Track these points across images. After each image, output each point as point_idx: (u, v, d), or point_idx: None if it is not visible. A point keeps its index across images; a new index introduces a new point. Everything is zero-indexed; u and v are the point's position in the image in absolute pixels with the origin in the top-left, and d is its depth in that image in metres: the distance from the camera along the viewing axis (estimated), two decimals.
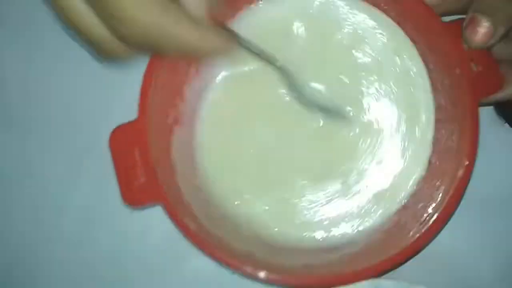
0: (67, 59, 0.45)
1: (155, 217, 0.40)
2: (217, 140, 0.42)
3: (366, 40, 0.42)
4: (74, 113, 0.45)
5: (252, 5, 0.42)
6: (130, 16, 0.29)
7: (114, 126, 0.37)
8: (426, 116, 0.41)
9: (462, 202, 0.36)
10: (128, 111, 0.37)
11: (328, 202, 0.40)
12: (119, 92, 0.43)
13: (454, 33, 0.37)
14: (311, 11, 0.42)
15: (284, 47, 0.41)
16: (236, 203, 0.40)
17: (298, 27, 0.42)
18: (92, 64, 0.44)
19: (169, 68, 0.39)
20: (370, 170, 0.40)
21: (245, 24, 0.41)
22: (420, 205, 0.38)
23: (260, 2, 0.42)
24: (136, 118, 0.37)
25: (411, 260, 0.36)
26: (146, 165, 0.36)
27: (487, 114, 0.43)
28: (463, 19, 0.37)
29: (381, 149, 0.41)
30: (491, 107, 0.44)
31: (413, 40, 0.41)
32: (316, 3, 0.42)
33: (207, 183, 0.41)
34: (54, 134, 0.45)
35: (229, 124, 0.42)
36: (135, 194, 0.36)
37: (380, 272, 0.35)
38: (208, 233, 0.37)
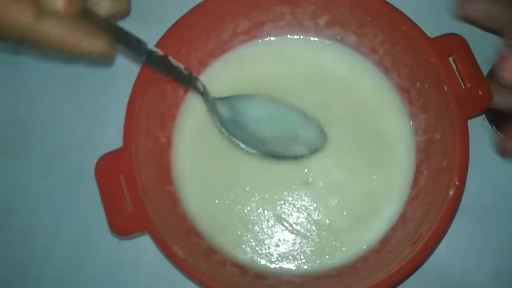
0: (54, 85, 0.45)
1: (148, 244, 0.40)
2: (196, 165, 0.41)
3: None
4: (63, 139, 0.44)
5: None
6: None
7: (103, 153, 0.36)
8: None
9: (458, 211, 0.36)
10: (119, 136, 0.36)
11: (315, 230, 0.40)
12: (111, 117, 0.42)
13: (442, 49, 0.36)
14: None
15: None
16: (219, 236, 0.40)
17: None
18: (80, 90, 0.44)
19: (156, 91, 0.39)
20: (351, 192, 0.40)
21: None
22: (412, 224, 0.38)
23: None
24: (121, 146, 0.36)
25: None
26: (132, 193, 0.36)
27: (478, 122, 0.42)
28: (451, 34, 0.37)
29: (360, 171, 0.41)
30: (483, 115, 0.43)
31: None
32: None
33: (190, 211, 0.40)
34: (44, 161, 0.44)
35: (208, 150, 0.41)
36: (123, 223, 0.36)
37: None
38: (198, 260, 0.37)
